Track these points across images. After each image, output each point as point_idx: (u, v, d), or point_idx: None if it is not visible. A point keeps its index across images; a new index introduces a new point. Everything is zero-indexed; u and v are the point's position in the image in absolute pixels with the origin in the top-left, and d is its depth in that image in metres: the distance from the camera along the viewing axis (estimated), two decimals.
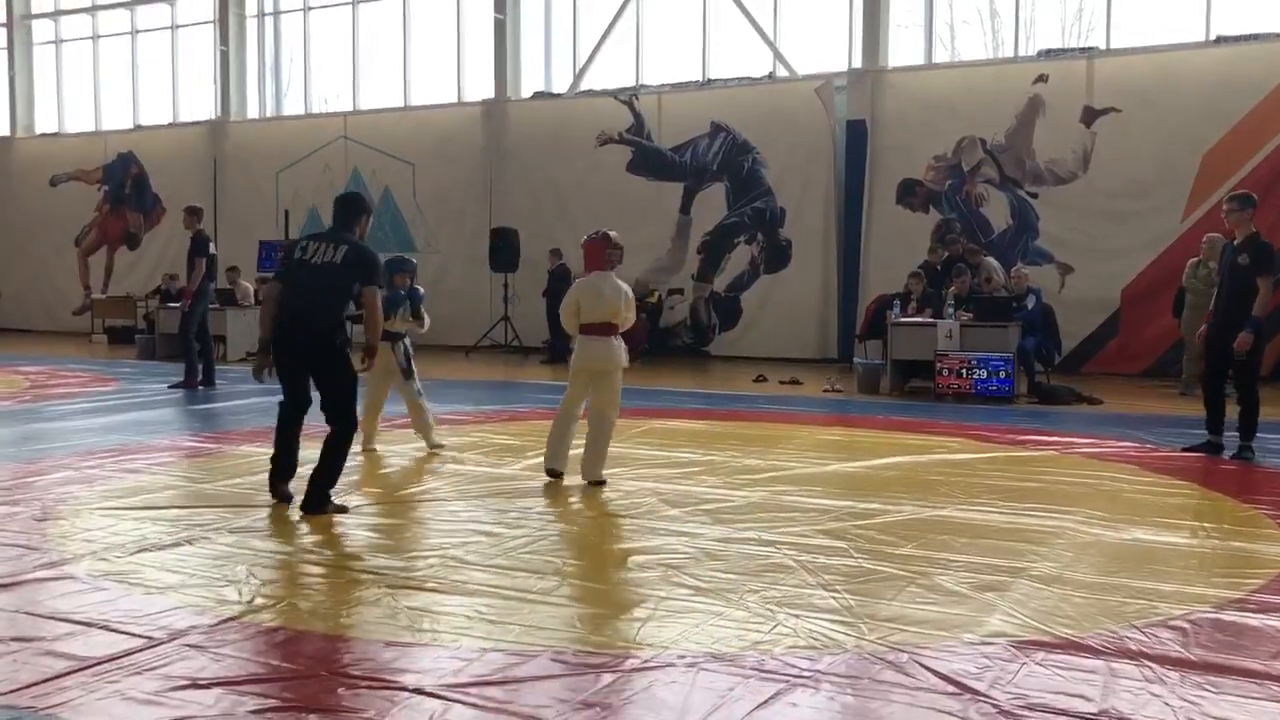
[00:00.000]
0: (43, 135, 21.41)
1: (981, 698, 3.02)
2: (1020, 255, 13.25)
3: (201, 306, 11.49)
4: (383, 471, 6.50)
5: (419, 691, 3.05)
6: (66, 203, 20.75)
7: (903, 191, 14.22)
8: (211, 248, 11.32)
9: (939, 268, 12.32)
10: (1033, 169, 13.52)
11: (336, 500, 5.43)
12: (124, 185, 20.16)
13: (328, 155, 18.28)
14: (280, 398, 5.60)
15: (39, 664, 3.25)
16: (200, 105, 19.97)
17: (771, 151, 15.05)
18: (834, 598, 3.97)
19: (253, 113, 19.52)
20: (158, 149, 19.85)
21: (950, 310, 10.99)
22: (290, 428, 5.62)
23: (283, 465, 5.62)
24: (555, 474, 6.17)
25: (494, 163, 16.81)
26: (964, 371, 10.46)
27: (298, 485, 5.48)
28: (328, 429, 5.41)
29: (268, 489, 5.55)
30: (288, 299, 5.46)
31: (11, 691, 3.02)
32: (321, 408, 5.50)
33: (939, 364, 10.59)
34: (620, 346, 6.04)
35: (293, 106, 19.43)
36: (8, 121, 21.56)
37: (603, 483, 6.02)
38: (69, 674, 3.15)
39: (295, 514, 5.31)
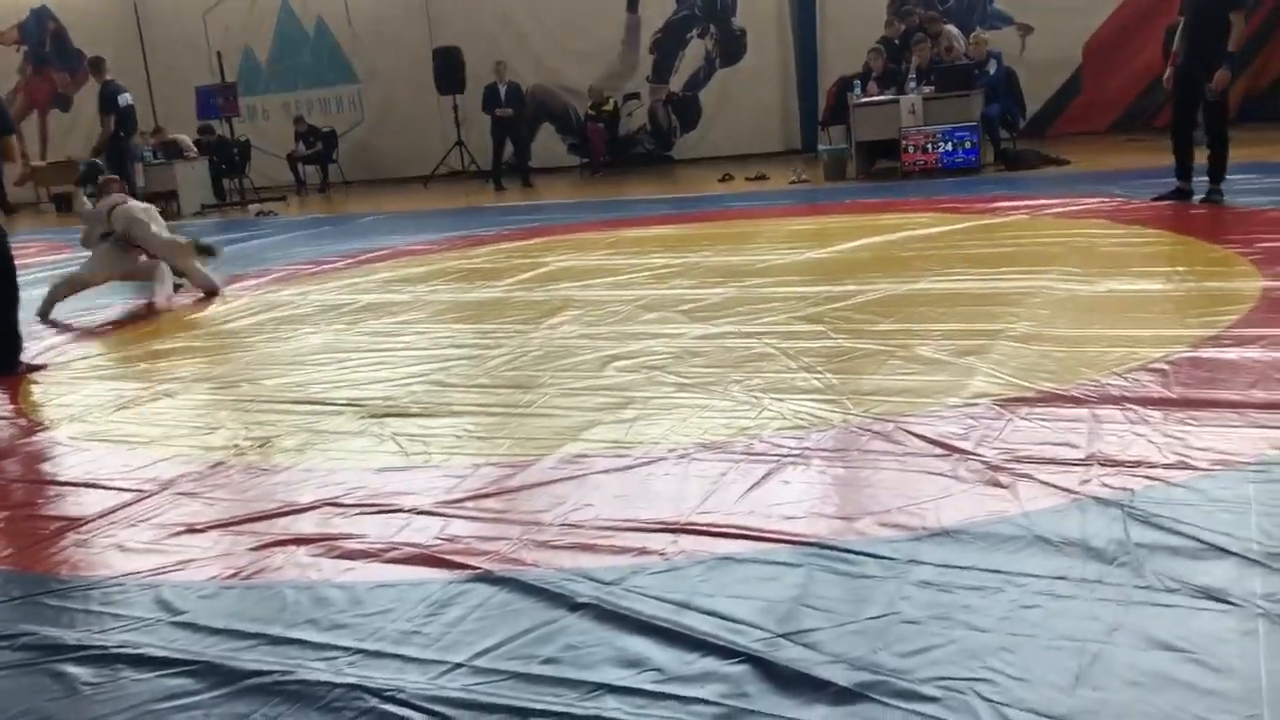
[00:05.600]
0: None
1: (970, 456, 3.06)
2: (979, 20, 12.87)
3: (130, 163, 11.03)
4: (347, 305, 6.41)
5: (416, 511, 3.07)
6: None
7: None
8: (123, 100, 10.69)
9: (897, 41, 11.97)
10: None
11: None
12: (43, 44, 19.20)
13: None
14: None
15: (29, 527, 3.25)
16: None
17: None
18: (817, 378, 3.98)
19: None
20: (74, 2, 18.81)
21: (912, 84, 10.74)
22: None
23: None
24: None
25: None
26: (929, 146, 10.32)
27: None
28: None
29: None
30: None
31: (5, 556, 3.02)
32: None
33: (904, 141, 10.43)
34: None
35: None
36: None
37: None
38: (61, 534, 3.15)
39: (268, 355, 5.27)
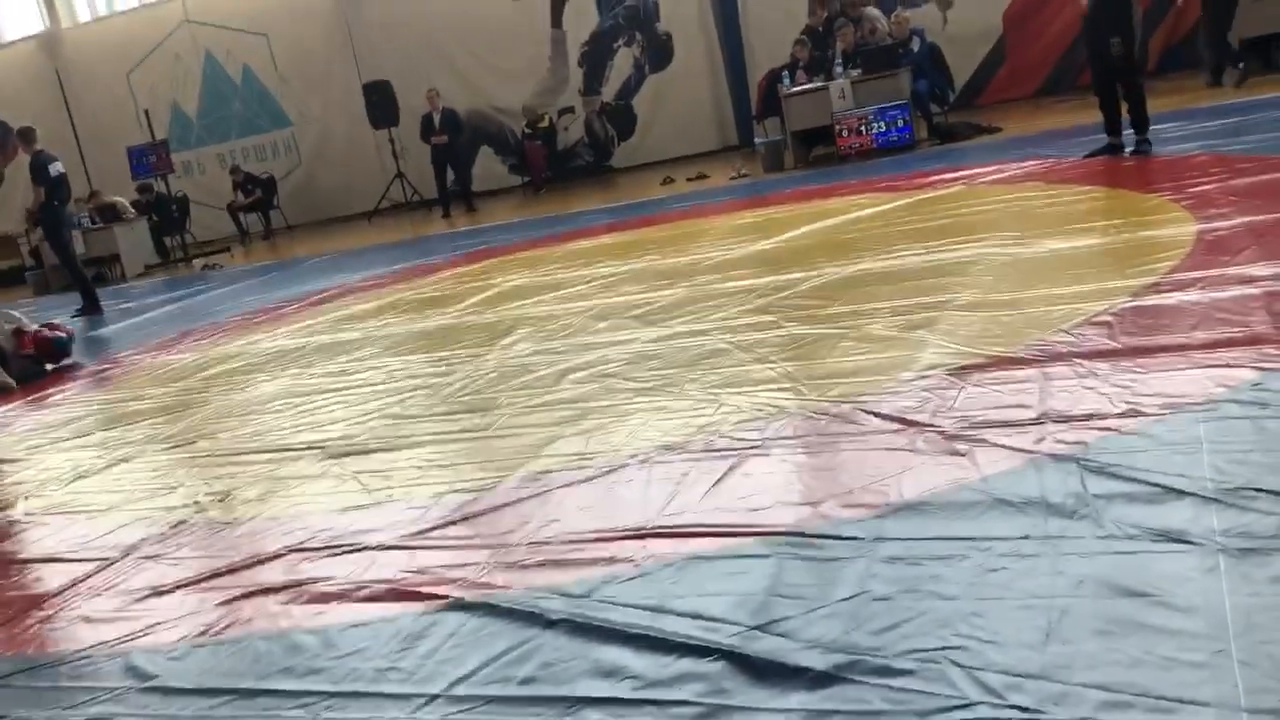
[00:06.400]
0: None
1: (927, 428, 3.08)
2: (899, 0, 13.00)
3: (66, 231, 10.95)
4: (300, 349, 6.37)
5: (383, 547, 3.04)
6: None
7: None
8: (54, 169, 10.58)
9: (821, 29, 12.07)
10: None
11: None
12: None
13: (175, 44, 17.31)
14: None
15: None
16: (25, 18, 18.59)
17: None
18: (771, 368, 3.99)
19: (84, 16, 18.26)
20: None
21: (840, 69, 10.83)
22: None
23: None
24: None
25: (350, 13, 15.98)
26: (863, 128, 10.40)
27: None
28: None
29: None
30: None
31: None
32: None
33: (837, 126, 10.50)
34: None
35: (124, 1, 18.17)
36: None
37: None
38: (25, 612, 3.09)
39: (223, 408, 5.21)
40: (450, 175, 14.07)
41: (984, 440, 2.90)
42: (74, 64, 17.85)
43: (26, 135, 10.59)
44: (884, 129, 10.32)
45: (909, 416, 3.19)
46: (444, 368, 5.13)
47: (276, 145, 17.26)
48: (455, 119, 14.09)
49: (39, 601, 3.16)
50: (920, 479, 2.76)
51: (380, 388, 5.03)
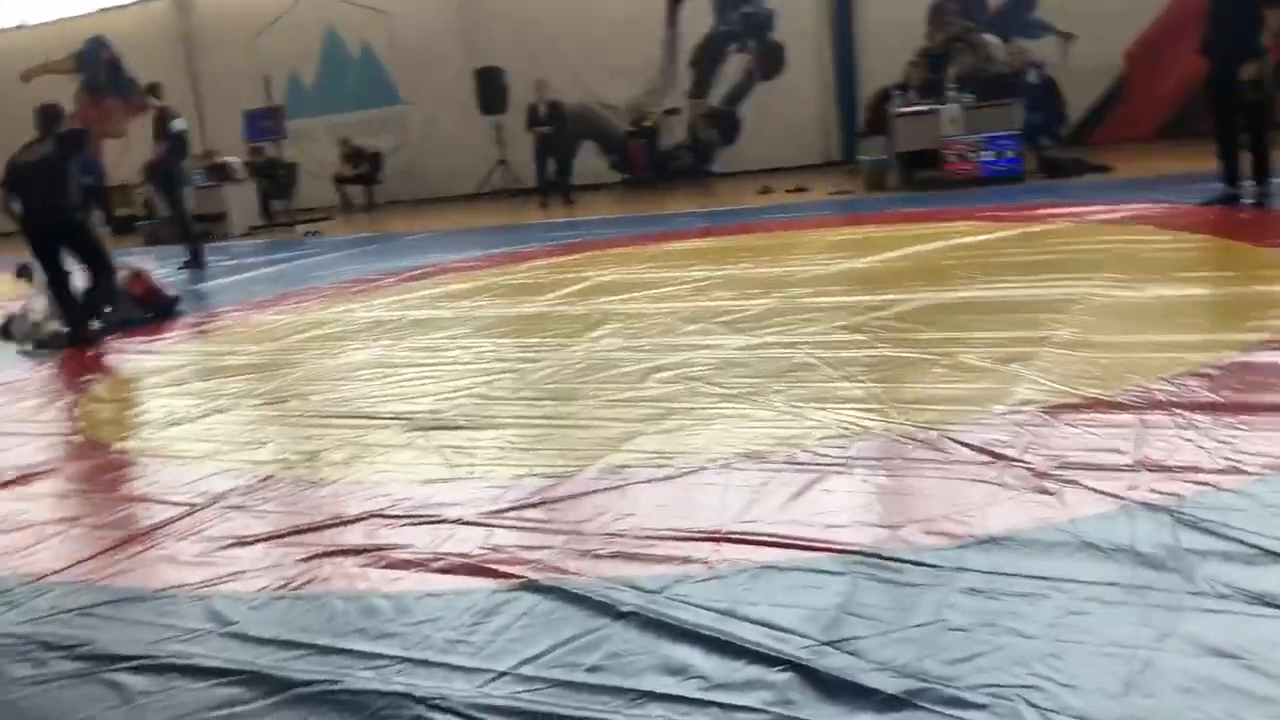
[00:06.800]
0: (5, 30, 20.73)
1: (1016, 463, 3.03)
2: (1019, 30, 12.77)
3: (181, 187, 11.31)
4: (394, 321, 6.49)
5: (462, 522, 3.10)
6: (44, 98, 20.23)
7: None
8: (176, 125, 10.94)
9: (936, 52, 11.92)
10: None
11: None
12: (99, 73, 19.60)
13: (300, 15, 17.69)
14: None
15: (86, 541, 3.31)
16: None
17: None
18: (859, 387, 3.96)
19: None
20: (126, 30, 19.21)
21: (952, 94, 10.69)
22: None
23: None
24: None
25: (470, 0, 16.22)
26: (971, 155, 10.24)
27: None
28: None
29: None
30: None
31: (65, 568, 3.09)
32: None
33: (945, 150, 10.36)
34: None
35: None
36: None
37: None
38: (116, 547, 3.21)
39: (316, 371, 5.34)
40: (551, 166, 14.20)
41: (1075, 481, 2.85)
42: (203, 26, 18.38)
43: (154, 90, 10.97)
44: (993, 158, 10.15)
45: (998, 450, 3.15)
46: (532, 354, 5.19)
47: (387, 121, 17.58)
48: (560, 111, 14.21)
49: (129, 538, 3.28)
50: (1006, 513, 2.72)
51: (469, 367, 5.10)
